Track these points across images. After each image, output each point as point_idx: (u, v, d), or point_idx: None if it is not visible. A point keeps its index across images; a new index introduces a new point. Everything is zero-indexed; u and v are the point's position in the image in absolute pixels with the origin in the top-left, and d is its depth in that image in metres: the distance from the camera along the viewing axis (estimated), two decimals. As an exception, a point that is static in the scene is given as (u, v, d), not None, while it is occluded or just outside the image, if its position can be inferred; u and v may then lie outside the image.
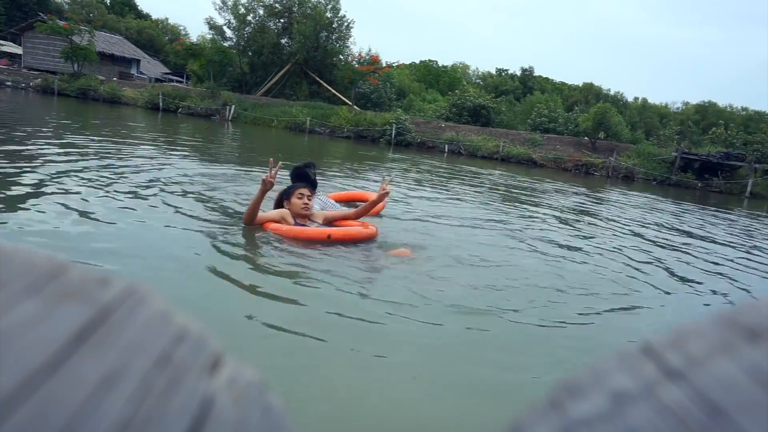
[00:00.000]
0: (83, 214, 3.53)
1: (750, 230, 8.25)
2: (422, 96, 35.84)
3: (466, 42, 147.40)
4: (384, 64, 27.78)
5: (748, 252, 5.87)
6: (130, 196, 4.27)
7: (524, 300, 2.97)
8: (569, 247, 4.56)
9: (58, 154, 6.08)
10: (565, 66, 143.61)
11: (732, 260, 5.17)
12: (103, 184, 4.60)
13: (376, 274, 3.20)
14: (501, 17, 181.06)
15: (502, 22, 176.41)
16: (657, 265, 4.37)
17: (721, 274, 4.48)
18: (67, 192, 4.11)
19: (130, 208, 3.85)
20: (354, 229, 3.81)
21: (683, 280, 4.04)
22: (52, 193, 4.01)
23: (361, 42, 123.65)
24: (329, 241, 3.58)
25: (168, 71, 41.17)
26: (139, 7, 53.64)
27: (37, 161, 5.36)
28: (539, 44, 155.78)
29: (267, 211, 3.83)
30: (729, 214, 10.67)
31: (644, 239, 5.60)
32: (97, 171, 5.19)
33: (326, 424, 1.65)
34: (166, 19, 57.90)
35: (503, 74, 47.94)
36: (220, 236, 3.42)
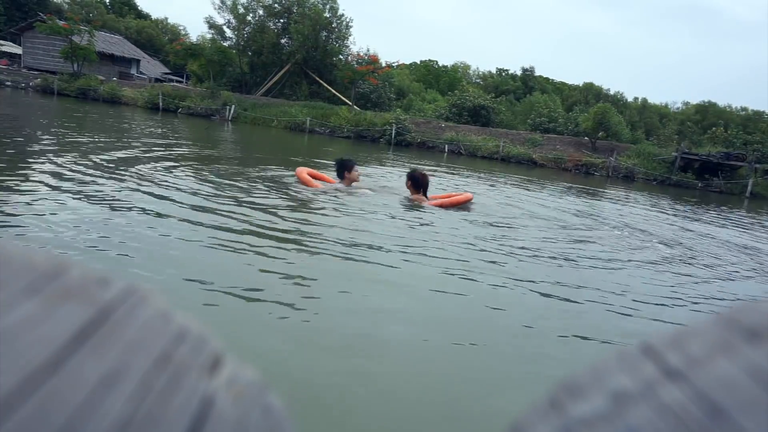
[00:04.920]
0: (83, 213, 3.52)
1: (750, 231, 8.25)
2: (422, 96, 35.86)
3: (467, 42, 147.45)
4: (384, 64, 27.78)
5: (747, 252, 5.86)
6: (127, 196, 4.26)
7: (527, 297, 2.96)
8: (567, 248, 4.56)
9: (56, 155, 6.07)
10: (565, 66, 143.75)
11: (732, 260, 5.16)
12: (101, 184, 4.59)
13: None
14: (502, 17, 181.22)
15: (503, 23, 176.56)
16: (656, 265, 4.37)
17: (720, 274, 4.47)
18: (65, 192, 4.11)
19: (128, 209, 3.84)
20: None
21: (683, 280, 4.03)
22: (51, 193, 4.00)
23: (360, 42, 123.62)
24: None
25: (168, 71, 41.15)
26: (138, 7, 53.64)
27: (36, 162, 5.35)
28: (540, 44, 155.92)
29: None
30: (729, 214, 10.66)
31: (643, 239, 5.59)
32: (95, 172, 5.18)
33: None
34: (166, 18, 57.87)
35: (503, 74, 47.98)
36: (217, 235, 3.42)
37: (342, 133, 21.76)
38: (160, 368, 0.16)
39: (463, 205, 5.83)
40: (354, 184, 5.84)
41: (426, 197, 5.75)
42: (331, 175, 6.20)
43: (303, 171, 6.00)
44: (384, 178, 7.82)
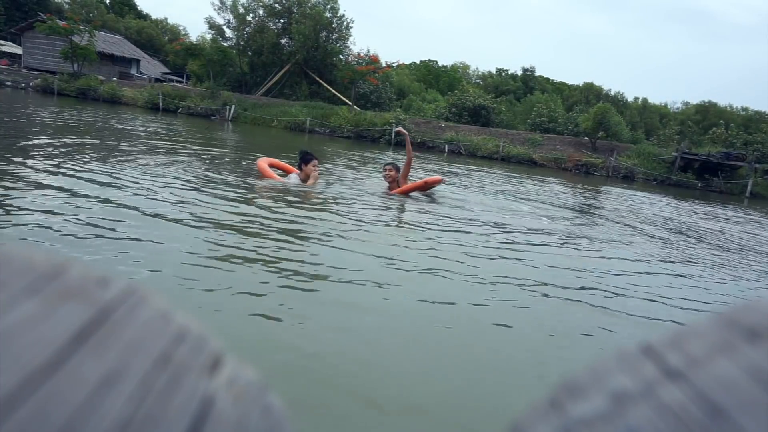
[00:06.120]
0: (80, 213, 3.52)
1: (750, 230, 8.24)
2: (422, 96, 35.83)
3: (466, 42, 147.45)
4: (384, 64, 27.79)
5: (747, 252, 5.85)
6: (128, 196, 4.26)
7: (529, 295, 2.96)
8: (567, 247, 4.55)
9: (56, 155, 6.07)
10: (565, 66, 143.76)
11: (732, 260, 5.15)
12: (101, 184, 4.59)
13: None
14: (502, 18, 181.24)
15: (503, 23, 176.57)
16: (656, 266, 4.36)
17: (720, 274, 4.47)
18: (63, 191, 4.10)
19: (127, 209, 3.84)
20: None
21: (683, 280, 4.03)
22: (52, 193, 4.00)
23: (360, 42, 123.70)
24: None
25: (168, 71, 41.16)
26: (138, 7, 53.65)
27: (36, 162, 5.34)
28: (540, 45, 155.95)
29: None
30: (729, 214, 10.65)
31: (641, 238, 5.59)
32: (95, 172, 5.18)
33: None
34: (166, 19, 57.90)
35: (503, 74, 47.95)
36: (217, 233, 3.41)
37: (342, 133, 21.76)
38: (160, 368, 0.16)
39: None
40: (311, 177, 5.94)
41: (398, 185, 6.23)
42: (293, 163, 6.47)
43: (263, 162, 6.22)
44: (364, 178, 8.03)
